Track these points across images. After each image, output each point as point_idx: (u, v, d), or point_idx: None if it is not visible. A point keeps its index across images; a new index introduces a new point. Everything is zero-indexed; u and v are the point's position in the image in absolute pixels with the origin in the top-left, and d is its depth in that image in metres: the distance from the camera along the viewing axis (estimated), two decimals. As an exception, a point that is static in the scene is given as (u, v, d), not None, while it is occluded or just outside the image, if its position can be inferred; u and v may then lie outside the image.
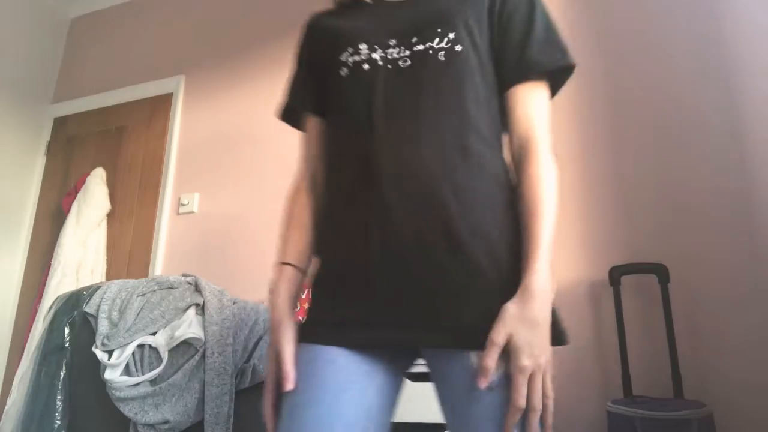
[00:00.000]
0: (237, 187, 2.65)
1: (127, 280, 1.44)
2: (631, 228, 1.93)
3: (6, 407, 1.32)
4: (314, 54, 0.99)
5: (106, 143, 3.08)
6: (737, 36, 1.96)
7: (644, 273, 1.81)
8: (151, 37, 3.20)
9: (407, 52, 0.87)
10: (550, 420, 0.72)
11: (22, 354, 2.57)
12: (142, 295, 1.38)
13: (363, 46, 0.89)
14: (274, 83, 2.74)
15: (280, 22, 2.83)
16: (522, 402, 0.70)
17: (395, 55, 0.87)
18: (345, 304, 0.81)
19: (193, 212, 2.71)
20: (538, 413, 0.71)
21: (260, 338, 1.37)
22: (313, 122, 0.99)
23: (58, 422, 1.26)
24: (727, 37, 1.97)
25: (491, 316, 0.73)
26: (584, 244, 1.97)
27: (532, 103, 0.88)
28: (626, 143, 2.02)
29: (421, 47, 0.87)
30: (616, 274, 1.82)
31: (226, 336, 1.32)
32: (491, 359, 0.71)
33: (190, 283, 1.46)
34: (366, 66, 0.88)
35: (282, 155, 2.60)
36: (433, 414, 1.43)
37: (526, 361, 0.71)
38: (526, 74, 0.88)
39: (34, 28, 3.28)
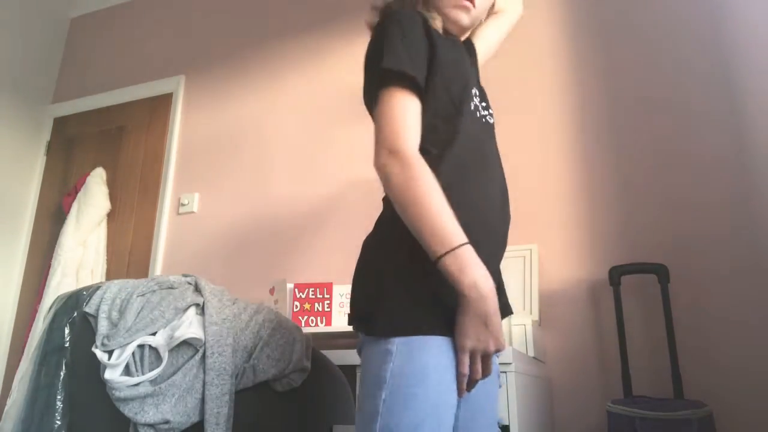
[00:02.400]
0: (237, 187, 2.65)
1: (127, 280, 1.44)
2: (631, 228, 1.93)
3: (6, 407, 1.32)
4: (445, 74, 0.98)
5: (106, 143, 3.07)
6: (738, 36, 1.96)
7: (644, 273, 1.81)
8: (151, 37, 3.20)
9: (485, 112, 1.07)
10: None
11: (22, 354, 2.57)
12: (142, 295, 1.38)
13: (475, 92, 1.05)
14: (275, 83, 2.74)
15: (281, 23, 2.83)
16: None
17: (482, 110, 1.06)
18: None
19: (193, 212, 2.71)
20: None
21: (260, 338, 1.37)
22: (419, 100, 0.95)
23: (58, 422, 1.26)
24: (728, 37, 1.97)
25: None
26: (584, 244, 1.97)
27: None
28: (626, 143, 2.02)
29: (490, 112, 1.10)
30: (616, 274, 1.82)
31: (226, 336, 1.31)
32: None
33: (190, 283, 1.46)
34: (478, 113, 1.04)
35: (282, 155, 2.60)
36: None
37: None
38: None
39: (34, 28, 3.28)
